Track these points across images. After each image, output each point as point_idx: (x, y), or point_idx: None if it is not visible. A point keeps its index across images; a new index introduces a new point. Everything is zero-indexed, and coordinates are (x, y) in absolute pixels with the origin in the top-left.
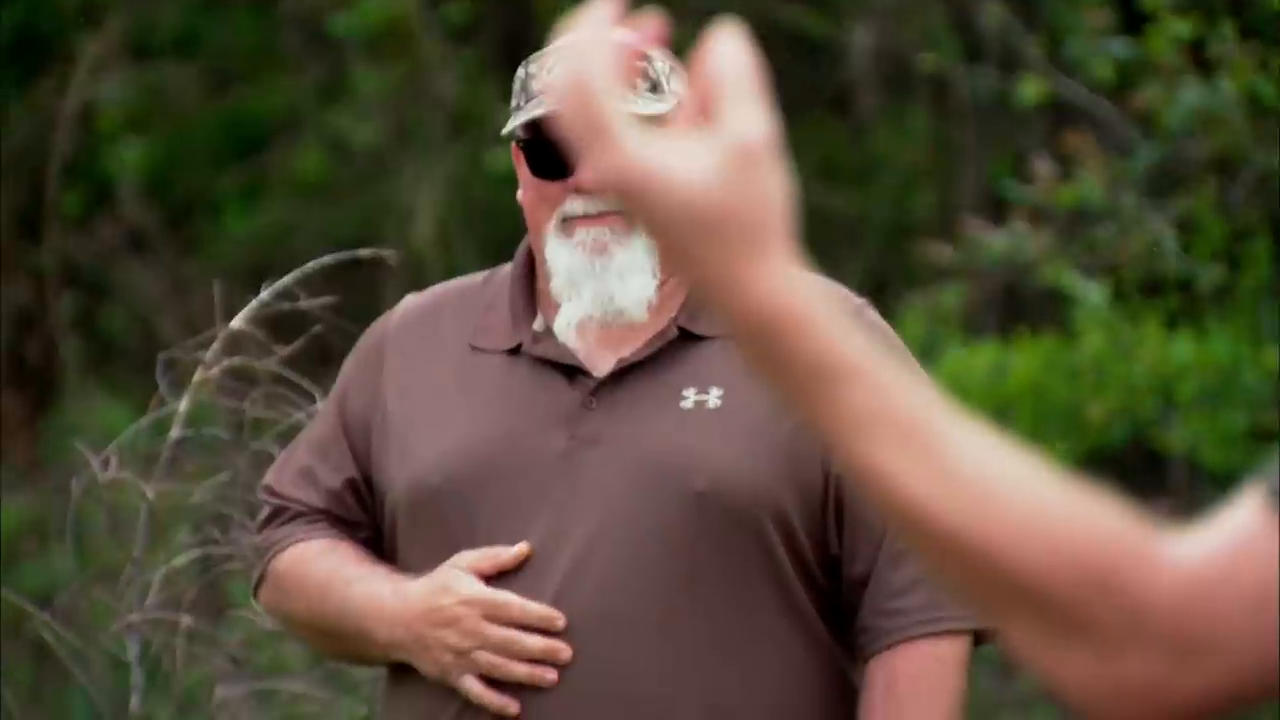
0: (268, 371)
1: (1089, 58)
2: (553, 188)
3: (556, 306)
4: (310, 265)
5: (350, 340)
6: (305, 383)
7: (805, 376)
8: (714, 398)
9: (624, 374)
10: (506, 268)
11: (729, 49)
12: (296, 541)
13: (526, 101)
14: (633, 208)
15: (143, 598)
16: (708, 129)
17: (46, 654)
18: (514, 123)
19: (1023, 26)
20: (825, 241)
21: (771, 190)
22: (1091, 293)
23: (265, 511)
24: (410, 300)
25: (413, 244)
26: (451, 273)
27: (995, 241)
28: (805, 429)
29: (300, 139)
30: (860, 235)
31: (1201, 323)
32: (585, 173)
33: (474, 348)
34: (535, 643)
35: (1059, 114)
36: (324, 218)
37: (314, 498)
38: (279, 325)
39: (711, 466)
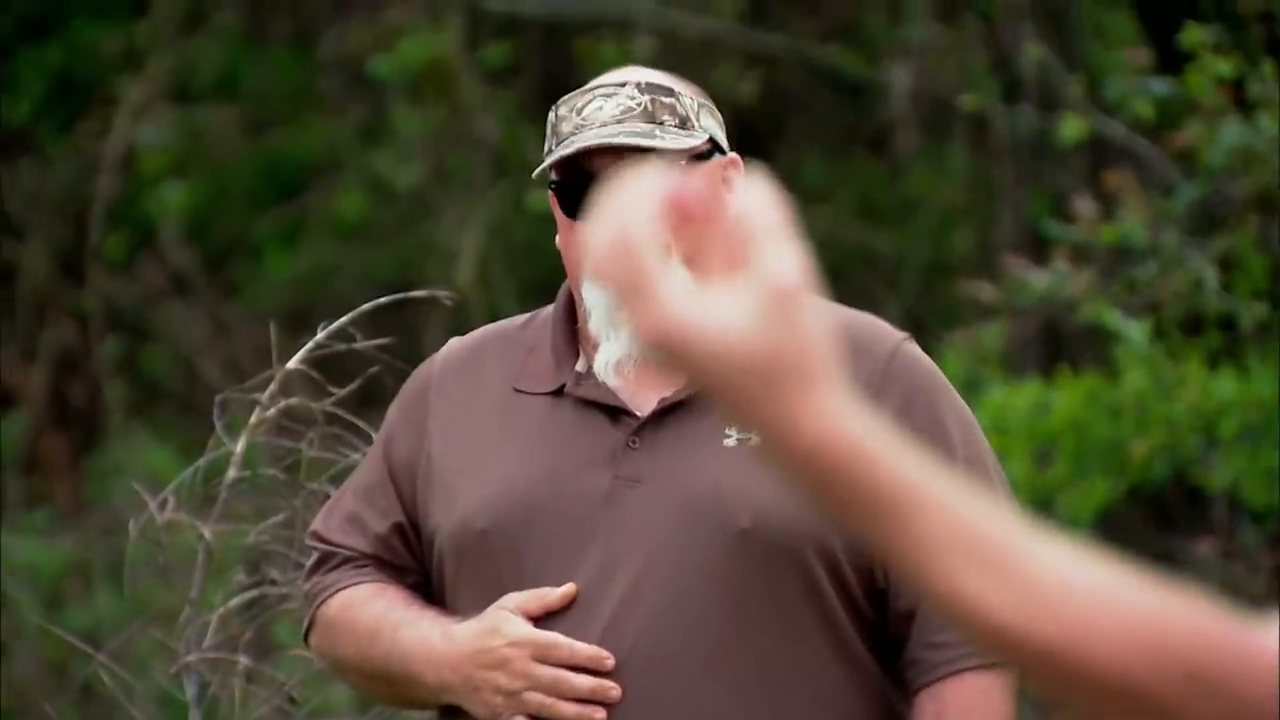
0: (323, 412)
1: (1129, 97)
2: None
3: (595, 345)
4: (366, 306)
5: (394, 382)
6: (361, 423)
7: (874, 509)
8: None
9: (666, 413)
10: (548, 310)
11: (756, 195)
12: (345, 587)
13: (557, 144)
14: (679, 363)
15: (200, 638)
16: (743, 276)
17: (91, 696)
18: (545, 164)
19: (1062, 66)
20: (864, 281)
21: (811, 329)
22: (1133, 331)
23: (314, 557)
24: (453, 344)
25: (454, 285)
26: (493, 313)
27: (1037, 280)
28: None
29: (341, 181)
30: (899, 274)
31: (1243, 360)
32: None
33: (517, 390)
34: (584, 682)
35: (1098, 153)
36: (365, 259)
37: (362, 543)
38: (322, 367)
39: (754, 504)
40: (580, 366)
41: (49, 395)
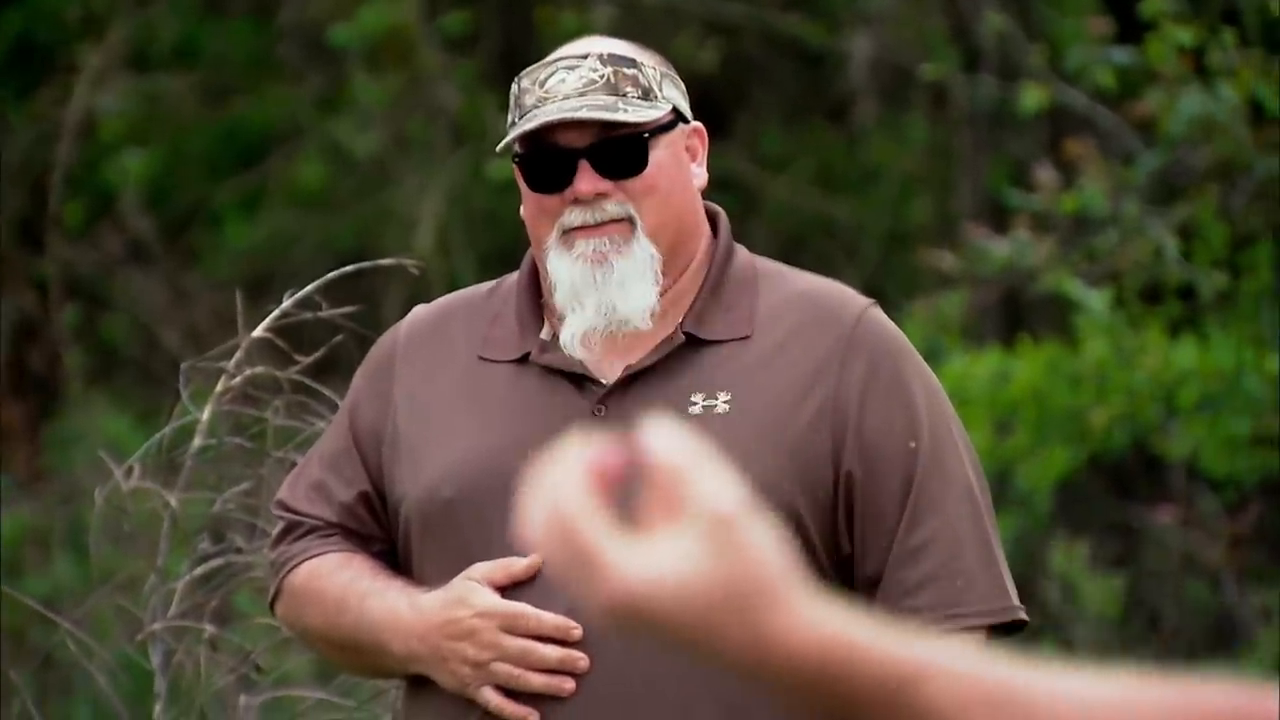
0: (287, 380)
1: (1089, 66)
2: (551, 200)
3: (561, 318)
4: (333, 274)
5: (355, 350)
6: (326, 391)
7: (877, 695)
8: (721, 403)
9: (632, 381)
10: (512, 277)
11: (664, 440)
12: (311, 556)
13: (520, 117)
14: (646, 623)
15: (165, 606)
16: (679, 518)
17: (52, 664)
18: (509, 138)
19: (1022, 35)
20: (824, 249)
21: (759, 548)
22: (1093, 300)
23: (279, 526)
24: (418, 312)
25: (414, 253)
26: (453, 282)
27: (997, 249)
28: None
29: (300, 149)
30: (859, 243)
31: (1203, 329)
32: (582, 183)
33: (482, 358)
34: (552, 653)
35: (1059, 122)
36: (324, 228)
37: (327, 512)
38: (284, 335)
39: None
40: (545, 334)
41: (8, 363)
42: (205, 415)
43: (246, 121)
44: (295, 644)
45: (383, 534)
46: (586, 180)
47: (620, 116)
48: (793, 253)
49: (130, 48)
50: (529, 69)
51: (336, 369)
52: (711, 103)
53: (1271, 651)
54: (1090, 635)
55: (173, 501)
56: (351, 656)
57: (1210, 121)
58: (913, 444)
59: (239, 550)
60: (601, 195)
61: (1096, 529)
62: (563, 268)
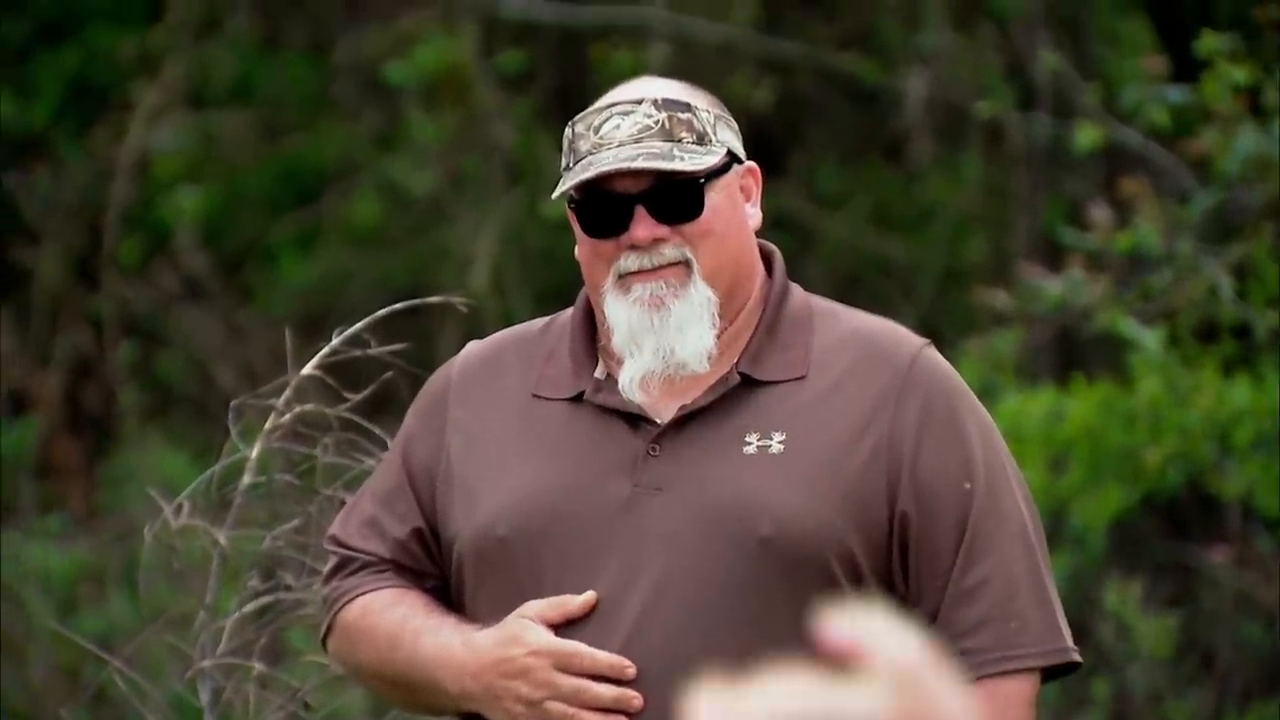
0: (338, 417)
1: (1144, 104)
2: (607, 245)
3: (619, 360)
4: (382, 312)
5: (408, 387)
6: (376, 429)
7: None
8: (776, 442)
9: (686, 421)
10: (565, 314)
11: (868, 625)
12: (364, 592)
13: (575, 162)
14: None
15: (214, 643)
16: (869, 668)
17: (105, 701)
18: (564, 185)
19: (1077, 73)
20: (879, 288)
21: (944, 697)
22: (1147, 339)
23: (332, 562)
24: (472, 348)
25: (469, 291)
26: (508, 320)
27: (1051, 287)
28: (867, 472)
29: (356, 187)
30: (914, 282)
31: (1257, 368)
32: (639, 230)
33: (536, 396)
34: (606, 692)
35: (1114, 160)
36: (379, 265)
37: (380, 548)
38: (336, 372)
39: (775, 511)
40: (599, 374)
41: (63, 400)
42: (254, 453)
43: (302, 159)
44: (345, 681)
45: (435, 570)
46: (643, 226)
47: (676, 166)
48: (848, 291)
49: (186, 85)
50: (583, 114)
51: (388, 407)
52: (767, 141)
53: None
54: (1144, 675)
55: (221, 539)
56: (404, 694)
57: (1265, 160)
58: (968, 485)
59: (288, 588)
60: (658, 240)
61: (1150, 568)
62: (620, 312)
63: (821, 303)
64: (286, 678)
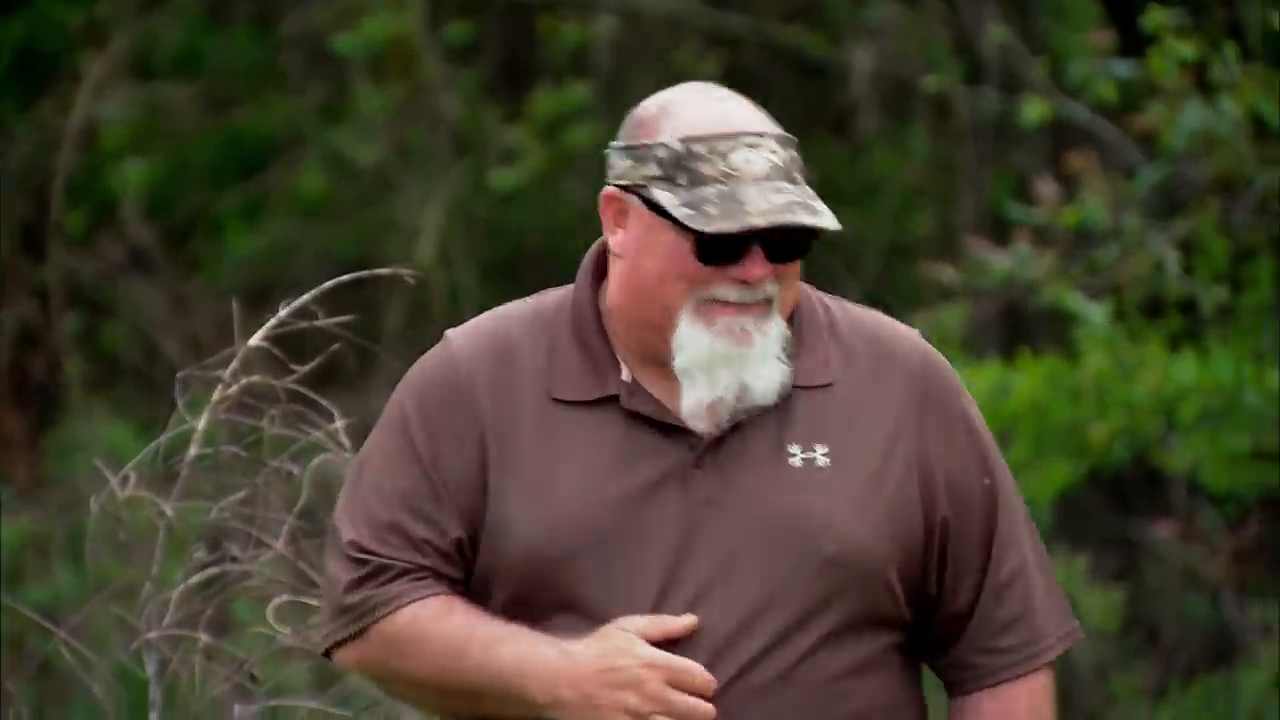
0: (286, 389)
1: (1091, 79)
2: (705, 270)
3: (641, 366)
4: (329, 283)
5: (355, 359)
6: (322, 400)
7: None
8: (820, 455)
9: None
10: (548, 301)
11: None
12: (410, 601)
13: (691, 182)
14: None
15: (160, 615)
16: None
17: (50, 673)
18: (731, 227)
19: (1024, 48)
20: (825, 262)
21: None
22: (1094, 313)
23: (360, 571)
24: (468, 340)
25: (415, 263)
26: (453, 292)
27: (998, 262)
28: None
29: (302, 158)
30: (860, 255)
31: (1203, 343)
32: (756, 268)
33: (556, 399)
34: (710, 711)
35: (1060, 135)
36: (325, 237)
37: (414, 555)
38: (282, 344)
39: (836, 529)
40: (625, 377)
41: (8, 370)
42: (201, 424)
43: (248, 130)
44: (290, 653)
45: (462, 576)
46: (760, 265)
47: (827, 224)
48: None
49: (132, 56)
50: (699, 129)
51: (335, 378)
52: None
53: (1271, 666)
54: (1089, 649)
55: (168, 510)
56: (462, 702)
57: (1211, 135)
58: (987, 480)
59: (234, 559)
60: (761, 277)
61: (1096, 543)
62: (699, 337)
63: (823, 297)
64: (232, 649)
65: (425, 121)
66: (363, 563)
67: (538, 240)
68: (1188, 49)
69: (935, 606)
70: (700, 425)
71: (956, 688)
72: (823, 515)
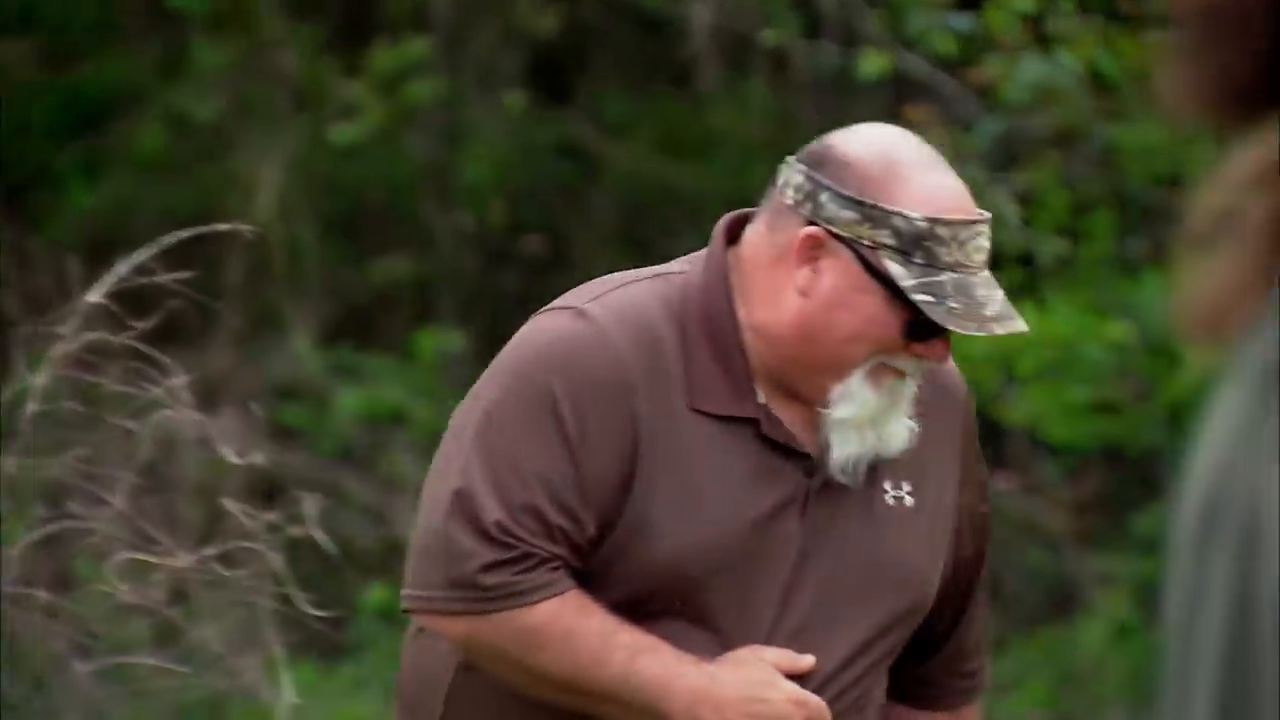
0: (126, 346)
1: (929, 32)
2: (900, 343)
3: (788, 401)
4: (168, 240)
5: (195, 316)
6: (163, 357)
7: None
8: (906, 494)
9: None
10: (674, 288)
11: None
12: (553, 595)
13: (926, 260)
14: None
15: (0, 572)
16: None
17: None
18: (953, 323)
19: (862, 1)
20: (666, 216)
21: None
22: None
23: (503, 553)
24: (615, 326)
25: (255, 219)
26: (293, 246)
27: None
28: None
29: (141, 114)
30: (701, 210)
31: (1043, 296)
32: (943, 351)
33: (696, 410)
34: None
35: (900, 88)
36: (165, 193)
37: (553, 546)
38: (122, 301)
39: (920, 574)
40: (761, 399)
41: None
42: (40, 380)
43: (87, 86)
44: (131, 610)
45: (584, 568)
46: (946, 350)
47: (1022, 330)
48: (636, 220)
49: None
50: (945, 206)
51: (175, 335)
52: (553, 69)
53: (1109, 616)
54: None
55: (8, 466)
56: (587, 702)
57: (1049, 88)
58: (984, 509)
59: (75, 516)
60: None
61: None
62: (866, 398)
63: None
64: (73, 607)
65: (264, 77)
66: (506, 546)
67: (378, 195)
68: (1025, 2)
69: (928, 623)
70: (852, 481)
71: (919, 701)
72: (913, 560)
